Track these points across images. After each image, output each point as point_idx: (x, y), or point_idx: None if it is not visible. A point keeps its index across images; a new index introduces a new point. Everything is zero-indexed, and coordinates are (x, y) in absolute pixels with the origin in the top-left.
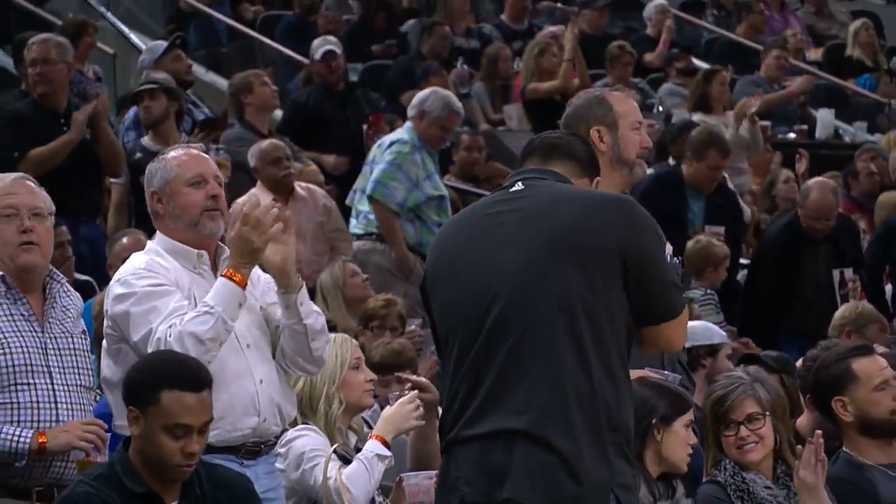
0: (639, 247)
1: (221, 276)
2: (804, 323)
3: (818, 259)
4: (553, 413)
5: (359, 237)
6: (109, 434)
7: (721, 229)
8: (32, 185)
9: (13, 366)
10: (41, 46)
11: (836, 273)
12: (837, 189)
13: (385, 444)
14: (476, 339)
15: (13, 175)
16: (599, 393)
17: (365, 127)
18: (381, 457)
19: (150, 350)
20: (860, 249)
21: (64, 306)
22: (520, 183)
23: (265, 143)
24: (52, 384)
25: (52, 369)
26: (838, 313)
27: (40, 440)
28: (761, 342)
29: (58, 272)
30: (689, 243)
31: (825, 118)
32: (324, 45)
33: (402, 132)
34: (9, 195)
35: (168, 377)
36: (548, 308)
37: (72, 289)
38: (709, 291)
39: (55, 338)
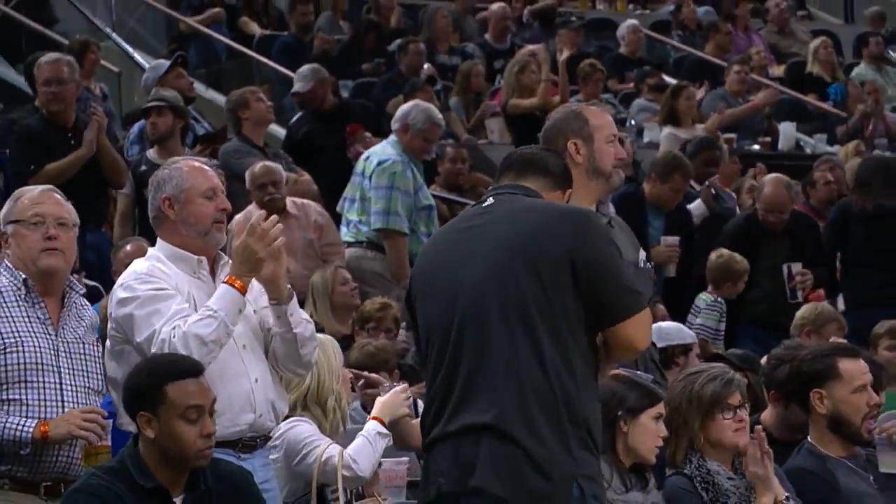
0: (587, 252)
1: (223, 282)
2: (760, 313)
3: (775, 252)
4: (515, 411)
5: (349, 244)
6: (111, 421)
7: (676, 239)
8: (59, 196)
9: (24, 363)
10: (54, 66)
11: (784, 267)
12: (791, 184)
13: (383, 424)
14: (447, 347)
15: (41, 187)
16: (559, 391)
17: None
18: (381, 434)
19: (153, 350)
20: (819, 245)
21: (80, 316)
22: (491, 198)
23: (257, 166)
24: (61, 384)
25: (61, 370)
26: (799, 313)
27: (43, 429)
28: None
29: (77, 283)
30: (712, 256)
31: (787, 131)
32: (297, 81)
33: (388, 148)
34: (36, 205)
35: (166, 373)
36: (507, 314)
37: (88, 303)
38: (718, 300)
39: (67, 342)
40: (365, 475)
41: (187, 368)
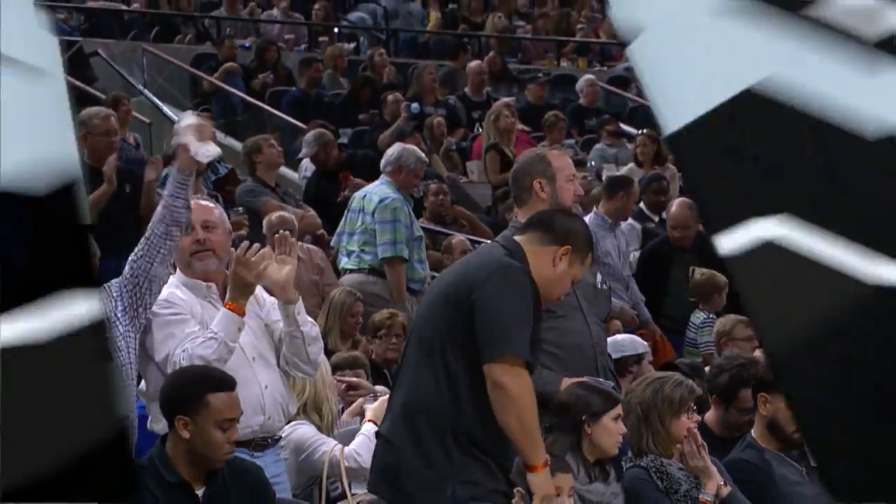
0: (483, 290)
1: (223, 306)
2: (674, 317)
3: (686, 265)
4: (404, 424)
5: (352, 271)
6: (141, 413)
7: None
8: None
9: None
10: (107, 121)
11: (690, 270)
12: (693, 205)
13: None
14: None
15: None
16: (448, 408)
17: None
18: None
19: (168, 370)
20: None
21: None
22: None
23: (274, 216)
24: None
25: None
26: (714, 330)
27: None
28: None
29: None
30: (697, 274)
31: None
32: (304, 147)
33: (384, 187)
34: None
35: (210, 383)
36: (422, 342)
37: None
38: (711, 316)
39: None
40: (367, 467)
41: (227, 381)
